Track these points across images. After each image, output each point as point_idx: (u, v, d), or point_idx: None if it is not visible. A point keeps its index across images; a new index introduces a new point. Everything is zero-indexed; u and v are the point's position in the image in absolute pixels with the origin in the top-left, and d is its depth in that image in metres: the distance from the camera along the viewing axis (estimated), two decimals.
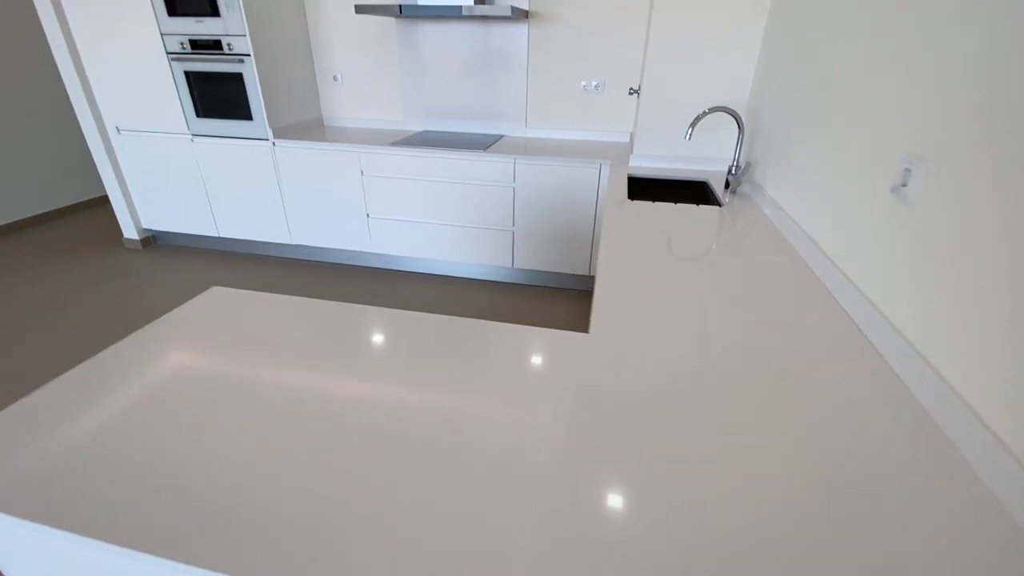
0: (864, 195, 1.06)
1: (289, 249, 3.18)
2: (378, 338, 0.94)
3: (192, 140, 2.87)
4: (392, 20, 2.82)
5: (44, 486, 0.61)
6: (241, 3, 2.44)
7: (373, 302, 2.70)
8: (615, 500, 0.61)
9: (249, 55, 2.57)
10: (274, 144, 2.77)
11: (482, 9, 2.31)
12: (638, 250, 1.35)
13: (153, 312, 2.57)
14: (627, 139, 2.86)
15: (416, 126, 3.08)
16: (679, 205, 1.73)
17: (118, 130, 2.97)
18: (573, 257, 2.70)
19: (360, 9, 2.40)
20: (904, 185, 0.91)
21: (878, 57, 1.06)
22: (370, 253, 3.05)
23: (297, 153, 2.76)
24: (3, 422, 0.72)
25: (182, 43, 2.62)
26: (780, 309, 1.06)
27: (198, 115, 2.79)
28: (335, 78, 3.06)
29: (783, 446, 0.70)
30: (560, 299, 2.74)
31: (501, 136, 2.94)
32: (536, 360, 0.88)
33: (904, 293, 0.89)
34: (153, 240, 3.39)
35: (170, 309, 2.60)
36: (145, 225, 3.28)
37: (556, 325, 2.50)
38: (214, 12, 2.50)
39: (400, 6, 2.36)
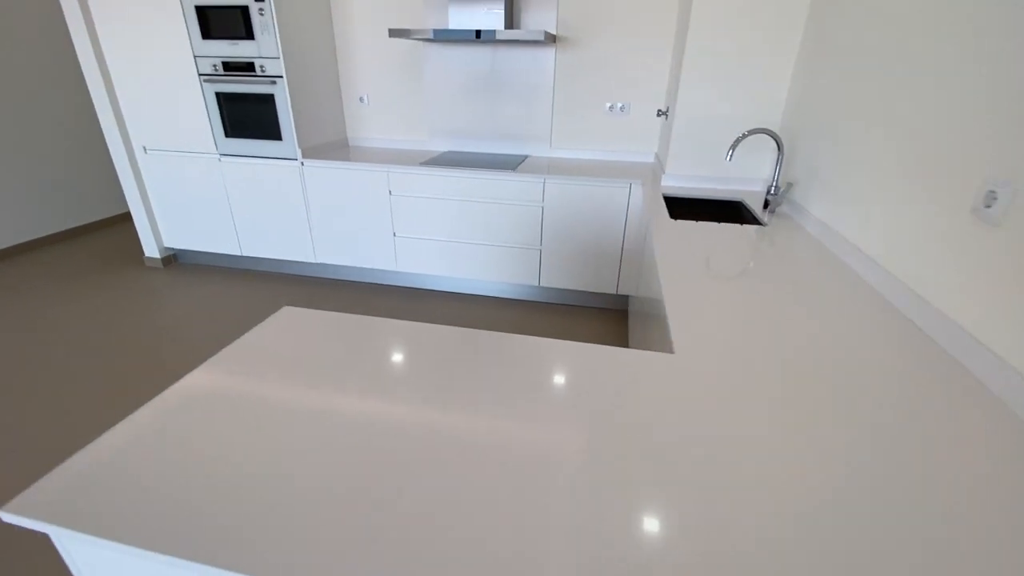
0: (940, 216, 1.07)
1: (312, 268, 3.18)
2: (457, 358, 0.93)
3: (220, 160, 2.89)
4: (420, 43, 2.88)
5: (153, 515, 0.60)
6: (276, 27, 2.48)
7: (399, 316, 2.69)
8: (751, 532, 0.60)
9: (281, 77, 2.60)
10: (302, 164, 2.79)
11: (514, 33, 2.36)
12: (696, 269, 1.35)
13: (178, 330, 2.55)
14: (652, 159, 2.89)
15: (441, 146, 3.11)
16: (722, 224, 1.74)
17: (145, 150, 2.99)
18: (600, 276, 2.70)
19: (394, 33, 2.45)
20: (988, 206, 0.92)
21: (947, 75, 1.08)
22: (395, 272, 3.05)
23: (325, 173, 2.78)
24: (103, 448, 0.70)
25: (215, 65, 2.65)
26: (849, 327, 1.06)
27: (227, 135, 2.82)
28: (361, 99, 3.10)
29: (879, 480, 0.69)
30: (588, 317, 2.74)
31: (526, 156, 2.97)
32: (629, 382, 0.87)
33: (999, 318, 0.89)
34: (174, 259, 3.38)
35: (194, 326, 2.58)
36: (167, 244, 3.27)
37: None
38: (249, 36, 2.54)
39: (433, 31, 2.41)
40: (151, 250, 3.28)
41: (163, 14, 2.59)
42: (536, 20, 2.67)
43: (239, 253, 3.15)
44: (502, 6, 2.51)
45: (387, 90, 3.05)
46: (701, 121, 2.19)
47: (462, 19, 2.58)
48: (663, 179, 2.33)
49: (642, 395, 0.83)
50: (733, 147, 1.82)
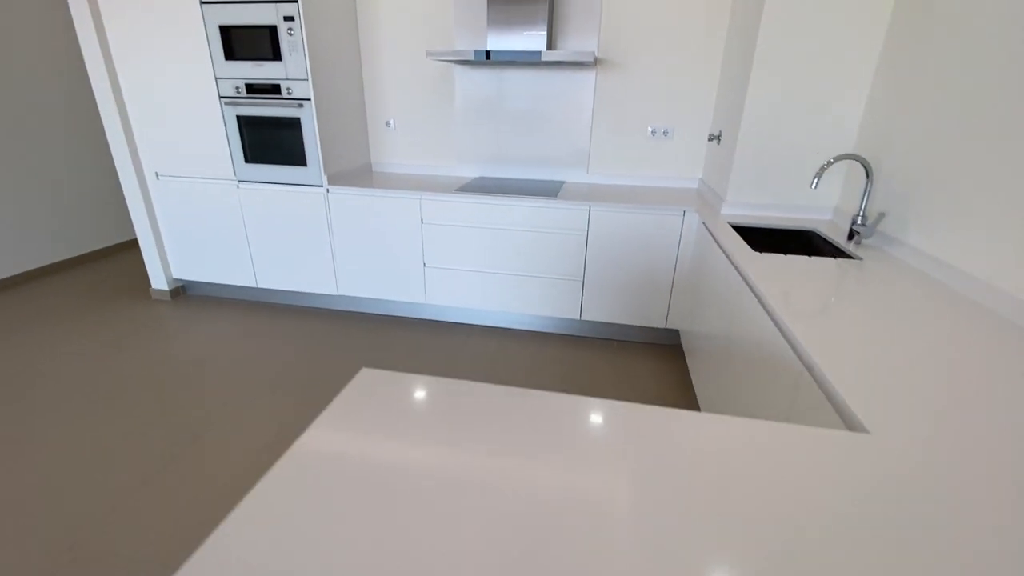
0: None
1: (334, 300, 2.97)
2: (573, 427, 0.73)
3: (238, 186, 2.71)
4: (452, 66, 2.75)
5: None
6: (306, 48, 2.35)
7: (429, 357, 2.48)
8: None
9: (309, 99, 2.45)
10: (328, 191, 2.62)
11: (561, 54, 2.23)
12: (821, 310, 1.17)
13: (192, 370, 2.32)
14: (695, 185, 2.75)
15: (471, 172, 2.96)
16: (814, 259, 1.57)
17: (157, 176, 2.81)
18: (648, 308, 2.52)
19: (432, 55, 2.32)
20: None
21: None
22: (423, 304, 2.85)
23: (353, 200, 2.61)
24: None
25: (237, 87, 2.50)
26: None
27: (247, 160, 2.65)
28: (388, 124, 2.96)
29: None
30: (637, 354, 2.54)
31: (562, 182, 2.82)
32: (829, 490, 0.67)
33: None
34: (183, 291, 3.17)
35: (210, 366, 2.35)
36: (176, 275, 3.06)
37: (639, 384, 2.29)
38: (276, 56, 2.39)
39: (475, 51, 2.28)
40: (159, 281, 3.06)
41: (184, 34, 2.44)
42: (576, 42, 2.56)
43: (254, 285, 2.95)
44: (544, 29, 2.40)
45: (415, 114, 2.91)
46: (766, 146, 2.05)
47: (502, 43, 2.46)
48: (723, 207, 2.17)
49: (873, 518, 0.63)
50: (819, 175, 1.67)
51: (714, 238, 1.90)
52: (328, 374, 2.34)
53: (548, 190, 2.59)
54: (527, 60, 2.27)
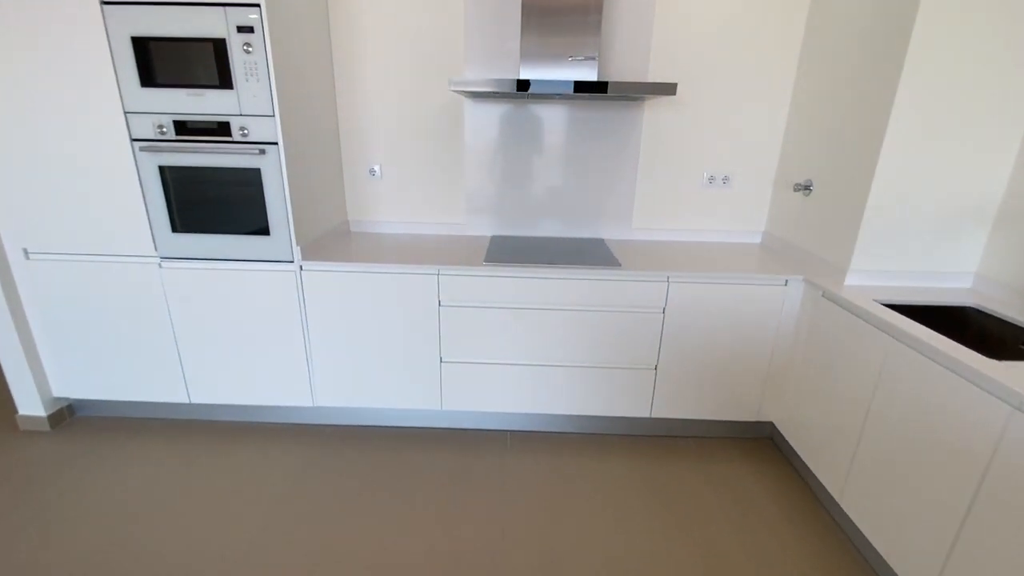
0: None
1: (307, 414, 2.15)
2: None
3: (160, 266, 1.87)
4: (462, 99, 2.14)
5: None
6: (272, 72, 1.63)
7: (460, 490, 1.77)
8: None
9: (275, 144, 1.72)
10: (301, 268, 1.86)
11: (629, 87, 1.71)
12: None
13: (75, 550, 1.42)
14: (759, 239, 2.32)
15: (485, 229, 2.33)
16: None
17: (26, 254, 1.88)
18: (736, 398, 2.00)
19: (458, 86, 1.70)
20: None
21: None
22: (440, 412, 2.13)
23: (339, 280, 1.87)
24: None
25: (161, 127, 1.71)
26: None
27: (175, 229, 1.83)
28: (372, 171, 2.26)
29: None
30: (720, 451, 1.99)
31: (600, 240, 2.28)
32: None
33: None
34: (69, 413, 2.18)
35: (106, 541, 1.45)
36: (58, 392, 2.09)
37: (740, 489, 1.73)
38: (224, 83, 1.65)
39: (516, 80, 1.69)
40: (29, 404, 2.07)
41: (76, 48, 1.63)
42: (622, 70, 2.06)
43: (185, 400, 2.06)
44: (595, 53, 1.88)
45: (409, 158, 2.24)
46: (902, 201, 1.63)
47: (539, 71, 1.91)
48: (848, 277, 1.72)
49: None
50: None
51: (860, 318, 1.42)
52: (317, 543, 1.54)
53: (587, 251, 2.03)
54: (583, 93, 1.72)
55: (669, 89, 1.69)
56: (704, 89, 2.11)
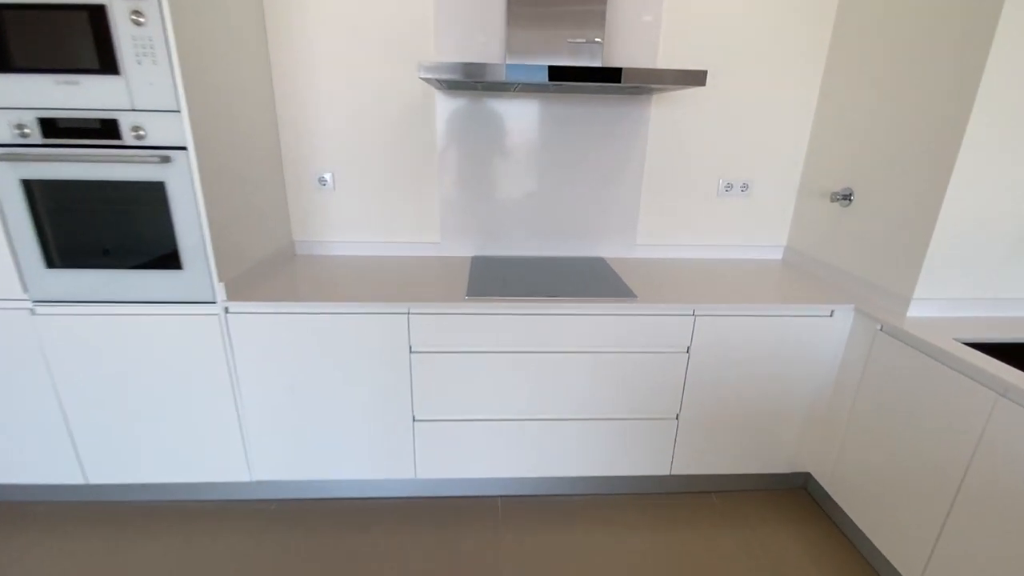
0: None
1: (243, 489, 1.71)
2: None
3: (34, 313, 1.40)
4: (433, 93, 1.75)
5: None
6: (173, 51, 1.20)
7: (446, 569, 1.38)
8: None
9: (184, 149, 1.28)
10: (227, 311, 1.43)
11: (650, 74, 1.35)
12: None
13: None
14: (780, 255, 2.02)
15: (463, 249, 1.94)
16: None
17: None
18: (768, 449, 1.68)
19: (430, 71, 1.30)
20: None
21: None
22: (413, 481, 1.72)
23: (277, 324, 1.44)
24: None
25: (21, 126, 1.25)
26: None
27: (51, 264, 1.37)
28: (322, 180, 1.84)
29: None
30: (748, 508, 1.66)
31: (600, 259, 1.92)
32: None
33: None
34: None
35: None
36: None
37: (777, 552, 1.41)
38: (106, 67, 1.21)
39: (509, 66, 1.31)
40: None
41: None
42: (627, 54, 1.71)
43: (81, 481, 1.59)
44: (600, 36, 1.52)
45: (369, 164, 1.83)
46: (979, 217, 1.34)
47: (530, 54, 1.54)
48: (911, 306, 1.41)
49: None
50: None
51: (943, 362, 1.11)
52: None
53: (589, 274, 1.67)
54: (588, 82, 1.35)
55: (697, 79, 1.35)
56: (720, 81, 1.79)
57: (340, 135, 1.79)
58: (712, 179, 1.91)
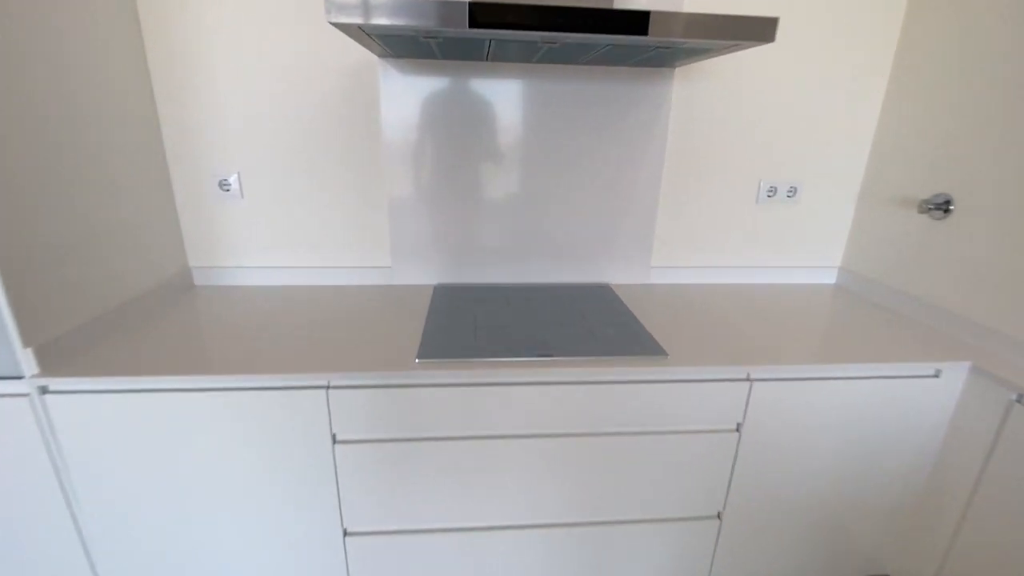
0: None
1: None
2: None
3: None
4: (375, 64, 1.26)
5: None
6: None
7: None
8: None
9: None
10: (44, 391, 0.92)
11: (680, 27, 0.88)
12: None
13: None
14: (833, 279, 1.58)
15: (420, 276, 1.45)
16: None
17: None
18: (838, 549, 1.23)
19: (345, 16, 0.81)
20: None
21: None
22: None
23: (131, 407, 0.94)
24: None
25: None
26: None
27: None
28: (225, 185, 1.33)
29: None
30: None
31: (603, 287, 1.46)
32: None
33: None
34: None
35: None
36: None
37: None
38: None
39: (475, 3, 0.82)
40: None
41: None
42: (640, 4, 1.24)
43: None
44: None
45: (290, 161, 1.33)
46: None
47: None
48: None
49: None
50: None
51: None
52: None
53: (593, 312, 1.20)
54: (615, 34, 0.87)
55: (760, 30, 0.88)
56: (764, 50, 1.33)
57: (251, 123, 1.29)
58: (750, 181, 1.46)
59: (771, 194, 1.46)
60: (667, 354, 1.03)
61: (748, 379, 1.04)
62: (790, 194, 1.47)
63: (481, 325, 1.15)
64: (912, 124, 1.31)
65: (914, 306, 1.30)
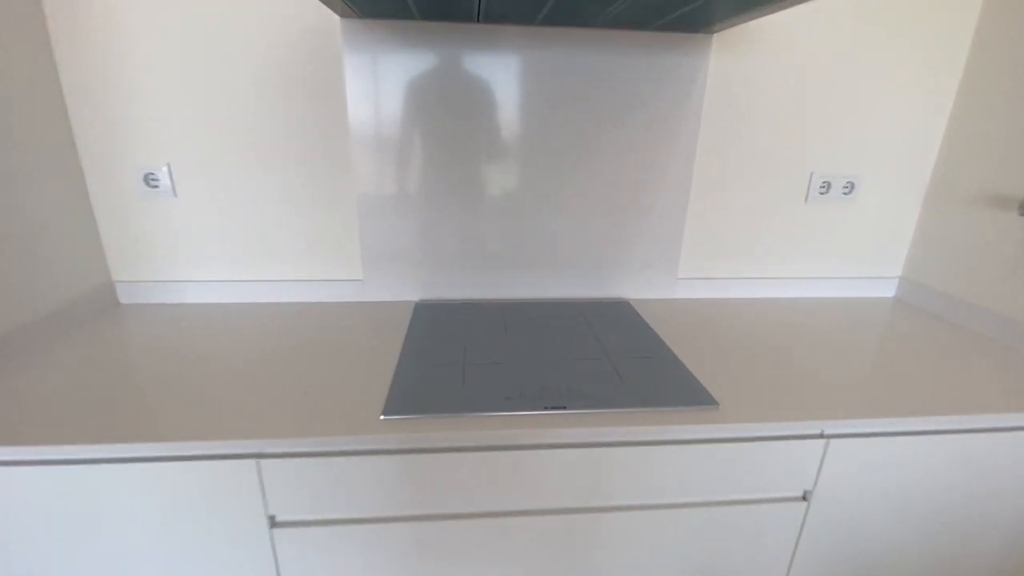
0: None
1: None
2: None
3: None
4: (336, 26, 1.00)
5: None
6: None
7: None
8: None
9: None
10: None
11: None
12: None
13: None
14: (892, 292, 1.32)
15: (398, 292, 1.19)
16: None
17: None
18: None
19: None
20: None
21: None
22: None
23: (14, 480, 0.68)
24: None
25: None
26: None
27: None
28: (152, 181, 1.07)
29: None
30: None
31: (621, 303, 1.20)
32: None
33: None
34: None
35: None
36: None
37: None
38: None
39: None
40: None
41: None
42: None
43: None
44: None
45: (233, 151, 1.07)
46: None
47: None
48: None
49: None
50: None
51: None
52: None
53: (605, 333, 0.95)
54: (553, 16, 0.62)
55: None
56: (819, 21, 1.07)
57: (175, 103, 1.02)
58: (800, 174, 1.20)
59: (824, 190, 1.21)
60: (718, 404, 0.78)
61: (823, 436, 0.79)
62: (846, 190, 1.21)
63: (471, 361, 0.89)
64: (994, 108, 1.06)
65: (1004, 328, 1.04)
